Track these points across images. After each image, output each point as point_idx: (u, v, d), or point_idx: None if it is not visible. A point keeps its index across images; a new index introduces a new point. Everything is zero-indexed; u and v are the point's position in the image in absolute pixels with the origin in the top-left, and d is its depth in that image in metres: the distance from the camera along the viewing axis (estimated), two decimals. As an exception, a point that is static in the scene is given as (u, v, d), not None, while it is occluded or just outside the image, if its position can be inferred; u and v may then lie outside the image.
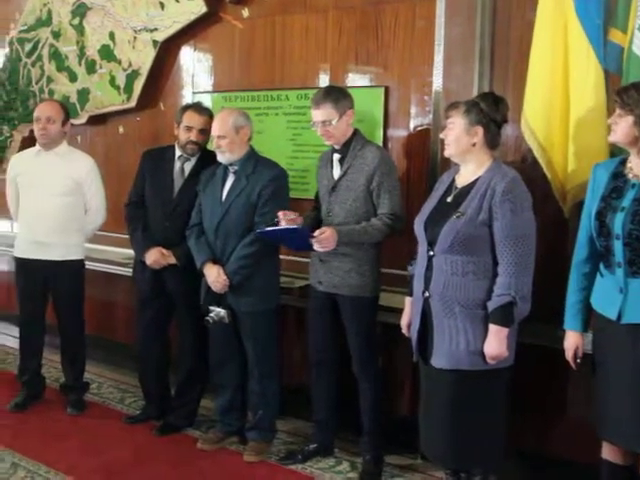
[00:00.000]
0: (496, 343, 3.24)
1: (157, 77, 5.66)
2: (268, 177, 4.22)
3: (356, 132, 4.10)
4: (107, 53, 5.87)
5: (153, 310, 4.75)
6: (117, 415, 5.03)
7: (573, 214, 3.58)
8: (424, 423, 3.56)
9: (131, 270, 4.95)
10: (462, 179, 3.42)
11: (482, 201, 3.27)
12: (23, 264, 5.01)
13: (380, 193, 3.97)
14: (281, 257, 4.45)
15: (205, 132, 4.54)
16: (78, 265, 5.06)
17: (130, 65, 5.72)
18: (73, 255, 4.99)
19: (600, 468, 3.31)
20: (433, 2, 4.18)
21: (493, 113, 3.33)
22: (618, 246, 3.05)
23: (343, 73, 4.70)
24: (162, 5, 5.46)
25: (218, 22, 5.29)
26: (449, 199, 3.42)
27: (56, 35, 6.24)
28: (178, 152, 4.62)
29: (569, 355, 3.33)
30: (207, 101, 5.15)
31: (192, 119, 4.55)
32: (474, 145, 3.34)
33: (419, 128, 4.41)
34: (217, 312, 4.24)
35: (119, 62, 5.80)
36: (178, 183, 4.60)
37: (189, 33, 5.45)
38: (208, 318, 4.24)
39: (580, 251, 3.29)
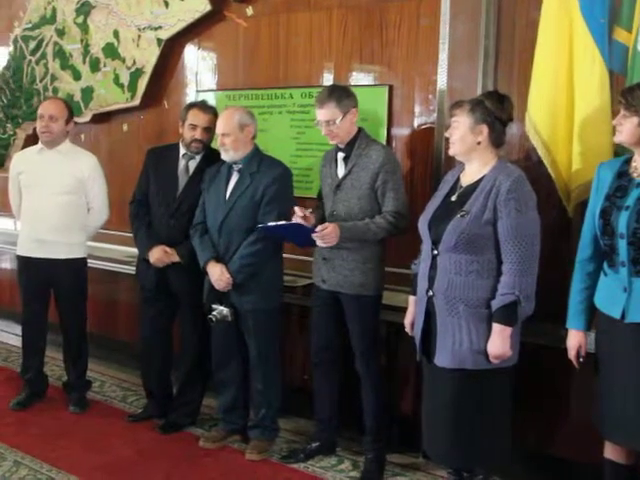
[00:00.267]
0: (500, 342, 3.23)
1: (161, 75, 5.66)
2: (272, 176, 4.22)
3: (360, 131, 4.09)
4: (111, 51, 5.87)
5: (156, 308, 4.75)
6: (119, 413, 5.02)
7: (577, 213, 3.59)
8: (427, 422, 3.56)
9: (134, 268, 4.95)
10: (467, 178, 3.42)
11: (487, 200, 3.26)
12: (26, 262, 5.01)
13: (385, 191, 3.97)
14: (284, 255, 4.44)
15: (209, 130, 4.53)
16: (81, 263, 5.06)
17: (134, 63, 5.72)
18: (76, 253, 4.99)
19: (603, 468, 3.31)
20: (437, 0, 4.17)
21: (498, 111, 3.32)
22: (622, 245, 3.05)
23: (347, 72, 4.70)
24: (166, 3, 5.46)
25: (222, 20, 5.29)
26: (453, 198, 3.41)
27: (60, 33, 6.24)
28: (182, 150, 4.62)
29: (572, 354, 3.33)
30: (211, 99, 5.14)
31: (197, 117, 4.55)
32: (479, 144, 3.34)
33: (423, 127, 4.41)
34: (220, 310, 4.24)
35: (123, 60, 5.80)
36: (182, 181, 4.60)
37: (193, 31, 5.44)
38: (211, 316, 4.24)
39: (584, 250, 3.29)
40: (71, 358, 5.15)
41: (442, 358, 3.36)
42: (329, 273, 4.08)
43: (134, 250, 4.93)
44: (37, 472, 4.15)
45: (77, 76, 6.15)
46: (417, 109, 4.44)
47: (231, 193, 4.28)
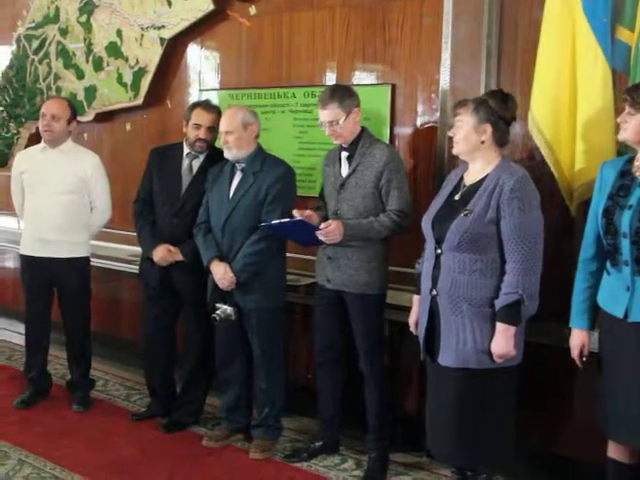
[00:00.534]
0: (503, 341, 3.24)
1: (164, 74, 5.66)
2: (275, 175, 4.23)
3: (364, 130, 4.10)
4: (114, 50, 5.87)
5: (160, 307, 4.76)
6: (123, 412, 5.03)
7: (580, 213, 3.58)
8: (430, 421, 3.56)
9: (137, 267, 4.95)
10: (470, 177, 3.42)
11: (490, 199, 3.26)
12: (29, 262, 5.02)
13: (389, 190, 3.97)
14: (287, 255, 4.44)
15: (213, 130, 4.54)
16: (84, 262, 5.06)
17: (137, 62, 5.73)
18: (79, 253, 4.99)
19: (606, 467, 3.31)
20: (440, 0, 4.17)
21: (502, 111, 3.33)
22: (625, 244, 3.05)
23: (350, 71, 4.70)
24: (169, 3, 5.46)
25: (225, 20, 5.29)
26: (457, 197, 3.41)
27: (63, 32, 6.25)
28: (186, 149, 4.63)
29: (575, 353, 3.33)
30: (214, 98, 5.14)
31: (200, 117, 4.56)
32: (483, 143, 3.34)
33: (426, 126, 4.41)
34: (224, 309, 4.24)
35: (126, 59, 5.80)
36: (186, 180, 4.60)
37: (196, 30, 5.44)
38: (215, 315, 4.24)
39: (587, 249, 3.29)
40: (75, 357, 5.16)
41: (446, 357, 3.36)
42: (334, 272, 4.08)
43: (137, 249, 4.94)
44: (41, 470, 4.15)
45: (80, 75, 6.15)
46: (420, 108, 4.43)
47: (234, 192, 4.28)
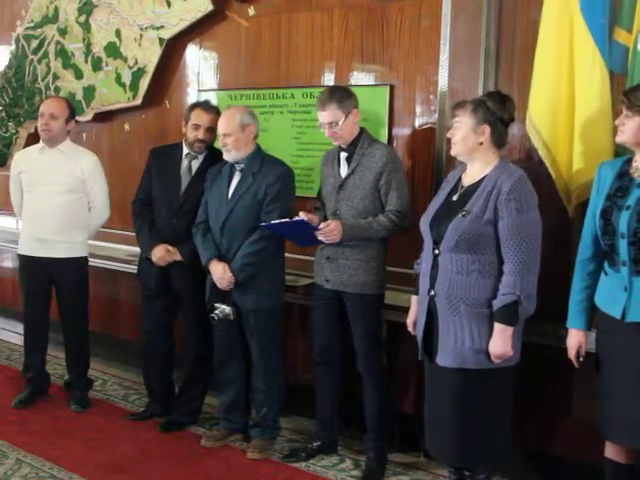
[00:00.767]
0: (501, 342, 3.24)
1: (163, 75, 5.66)
2: (274, 175, 4.23)
3: (363, 131, 4.11)
4: (113, 50, 5.87)
5: (158, 307, 4.76)
6: (121, 412, 5.04)
7: (577, 213, 3.59)
8: (428, 421, 3.57)
9: (135, 267, 4.95)
10: (468, 178, 3.43)
11: (488, 200, 3.27)
12: (27, 261, 5.03)
13: (388, 191, 3.98)
14: (285, 255, 4.44)
15: (212, 130, 4.54)
16: (82, 262, 5.07)
17: (136, 63, 5.73)
18: (77, 252, 5.00)
19: (603, 467, 3.32)
20: (439, 1, 4.18)
21: (500, 112, 3.33)
22: (623, 245, 3.06)
23: (348, 71, 4.70)
24: (168, 3, 5.46)
25: (224, 20, 5.29)
26: (455, 198, 3.42)
27: (62, 32, 6.25)
28: (185, 150, 4.63)
29: (572, 354, 3.34)
30: (212, 99, 5.15)
31: (200, 117, 4.56)
32: (481, 144, 3.35)
33: (424, 127, 4.41)
34: (222, 309, 4.25)
35: (125, 59, 5.80)
36: (185, 181, 4.61)
37: (195, 31, 5.44)
38: (213, 315, 4.25)
39: (584, 250, 3.30)
40: (73, 357, 5.16)
41: (444, 357, 3.36)
42: (333, 272, 4.09)
43: (136, 249, 4.95)
44: (39, 470, 4.16)
45: (79, 75, 6.15)
46: (418, 109, 4.44)
47: (233, 192, 4.29)
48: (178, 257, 4.57)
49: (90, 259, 5.18)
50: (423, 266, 3.51)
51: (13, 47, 6.73)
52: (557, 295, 3.45)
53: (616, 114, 3.22)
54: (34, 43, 6.50)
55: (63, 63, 6.27)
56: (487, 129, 3.34)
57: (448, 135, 3.49)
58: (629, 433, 3.12)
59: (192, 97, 5.48)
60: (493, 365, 3.30)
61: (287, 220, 3.99)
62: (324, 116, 4.01)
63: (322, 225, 3.93)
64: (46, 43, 6.40)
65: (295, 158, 4.85)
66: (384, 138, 4.45)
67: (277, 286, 4.39)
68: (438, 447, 3.56)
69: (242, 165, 4.29)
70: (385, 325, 4.27)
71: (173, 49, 5.59)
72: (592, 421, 3.33)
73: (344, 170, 4.09)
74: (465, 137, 3.35)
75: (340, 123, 3.98)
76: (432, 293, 3.41)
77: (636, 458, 3.24)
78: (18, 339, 6.14)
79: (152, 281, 4.72)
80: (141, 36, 5.68)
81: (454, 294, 3.33)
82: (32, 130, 6.46)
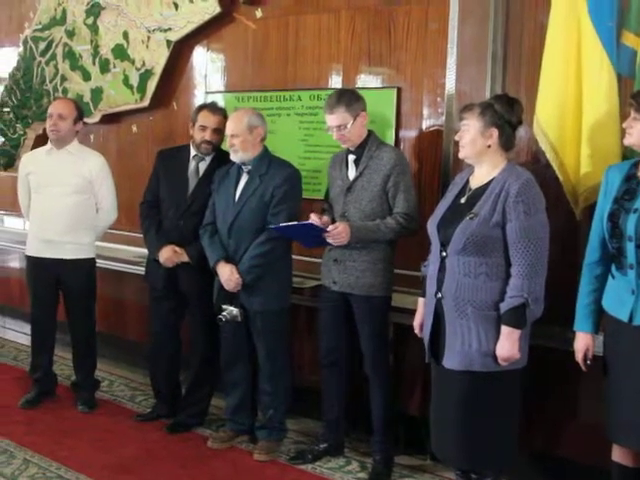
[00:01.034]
0: (508, 345, 3.24)
1: (170, 77, 5.67)
2: (281, 177, 4.24)
3: (371, 133, 4.12)
4: (121, 52, 5.88)
5: (166, 308, 4.77)
6: (128, 413, 5.05)
7: (585, 216, 3.59)
8: (435, 424, 3.57)
9: (143, 268, 4.97)
10: (476, 180, 3.43)
11: (496, 202, 3.27)
12: (34, 262, 5.04)
13: (396, 193, 3.99)
14: (292, 257, 4.45)
15: (219, 132, 4.56)
16: (89, 264, 5.08)
17: (143, 65, 5.74)
18: (84, 254, 5.01)
19: (610, 470, 3.32)
20: (446, 4, 4.18)
21: (508, 115, 3.34)
22: (630, 248, 3.06)
23: (355, 74, 4.71)
24: (176, 5, 5.47)
25: (231, 22, 5.30)
26: (463, 200, 3.42)
27: (70, 34, 6.25)
28: (193, 152, 4.65)
29: (579, 357, 3.34)
30: (220, 101, 5.14)
31: (206, 119, 4.58)
32: (489, 147, 3.35)
33: (431, 129, 4.41)
34: (230, 310, 4.25)
35: (132, 61, 5.81)
36: (192, 182, 4.62)
37: (202, 33, 5.45)
38: (221, 316, 4.25)
39: (592, 253, 3.30)
40: (80, 358, 5.17)
41: (451, 360, 3.37)
42: (340, 274, 4.10)
43: (143, 250, 4.96)
44: (46, 470, 4.17)
45: (87, 77, 6.16)
46: (425, 112, 4.44)
47: (241, 194, 4.30)
48: (185, 258, 4.58)
49: (97, 260, 5.19)
50: (430, 268, 3.51)
51: (21, 49, 6.74)
52: (564, 298, 3.45)
53: (624, 117, 3.22)
54: (42, 45, 6.51)
55: (71, 65, 6.28)
56: (495, 132, 3.34)
57: (456, 138, 3.48)
58: (637, 436, 3.12)
59: (199, 99, 5.48)
60: (500, 368, 3.31)
61: (295, 223, 4.00)
62: (332, 119, 4.01)
63: (330, 227, 3.93)
64: (54, 45, 6.41)
65: (302, 160, 4.85)
66: (391, 141, 4.45)
67: (284, 288, 4.39)
68: (444, 450, 3.56)
69: (249, 167, 4.30)
70: (392, 327, 4.27)
71: (180, 51, 5.60)
72: (599, 424, 3.33)
73: (352, 173, 4.10)
74: (473, 140, 3.36)
75: (348, 126, 3.99)
76: (439, 295, 3.42)
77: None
78: (25, 339, 6.16)
79: (159, 282, 4.73)
80: (149, 38, 5.68)
81: (461, 297, 3.33)
82: (40, 132, 6.48)
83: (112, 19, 5.93)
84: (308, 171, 4.80)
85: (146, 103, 5.79)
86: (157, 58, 5.65)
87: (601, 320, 3.31)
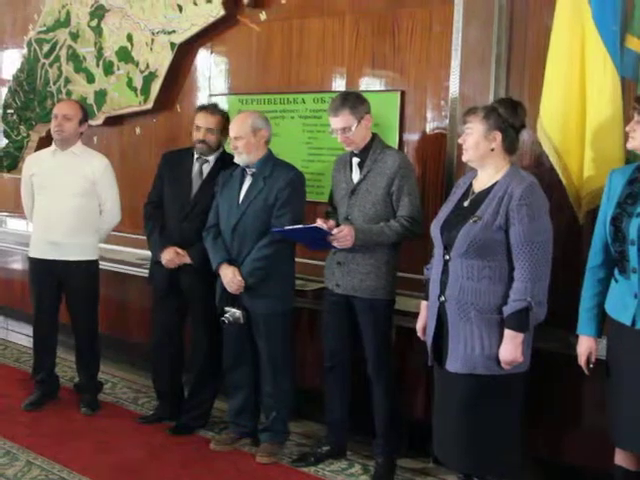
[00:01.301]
0: (511, 348, 3.25)
1: (174, 79, 5.68)
2: (285, 180, 4.24)
3: (375, 136, 4.12)
4: (125, 55, 5.89)
5: (168, 310, 4.78)
6: (130, 415, 5.05)
7: (588, 220, 3.59)
8: (438, 427, 3.57)
9: (146, 271, 4.98)
10: (479, 184, 3.44)
11: (499, 206, 3.28)
12: (37, 264, 5.04)
13: (400, 196, 3.99)
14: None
15: (213, 132, 4.60)
16: (93, 265, 5.08)
17: (147, 67, 5.74)
18: (88, 255, 5.01)
19: (613, 474, 3.32)
20: (450, 7, 4.18)
21: (511, 118, 3.35)
22: (633, 252, 3.06)
23: (359, 77, 4.71)
24: (180, 8, 5.48)
25: (235, 25, 5.30)
26: (466, 203, 3.43)
27: (74, 36, 6.27)
28: (196, 154, 4.66)
29: (582, 360, 3.34)
30: (223, 104, 5.16)
31: (199, 119, 4.63)
32: (492, 150, 3.36)
33: (435, 133, 4.42)
34: (233, 313, 4.26)
35: (136, 64, 5.81)
36: (196, 184, 4.64)
37: (206, 36, 5.46)
38: (224, 319, 4.26)
39: (595, 257, 3.30)
40: (83, 360, 5.17)
41: (454, 363, 3.37)
42: (344, 277, 4.10)
43: (146, 252, 4.97)
44: (49, 472, 4.17)
45: (91, 79, 6.17)
46: (429, 115, 4.44)
47: (244, 197, 4.31)
48: (188, 260, 4.59)
49: (100, 262, 5.19)
50: (433, 272, 3.52)
51: (25, 51, 6.75)
52: (567, 301, 3.45)
53: (627, 120, 3.22)
54: (46, 47, 6.52)
55: (75, 67, 6.29)
56: (498, 135, 3.34)
57: (459, 141, 3.49)
58: (639, 439, 3.12)
59: (203, 102, 5.46)
60: (503, 371, 3.31)
61: (300, 226, 4.01)
62: (337, 122, 4.02)
63: (335, 230, 3.94)
64: (58, 47, 6.42)
65: (306, 163, 4.86)
66: (395, 143, 4.45)
67: (287, 290, 4.39)
68: (447, 453, 3.56)
69: (253, 169, 4.30)
70: (394, 330, 4.27)
71: (184, 54, 5.60)
72: (602, 428, 3.33)
73: (356, 175, 4.10)
74: (476, 143, 3.36)
75: (353, 129, 3.99)
76: (442, 299, 3.42)
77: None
78: (27, 341, 6.17)
79: (161, 283, 4.74)
80: (152, 40, 5.69)
81: (464, 300, 3.33)
82: (43, 134, 6.50)
83: (116, 21, 5.94)
84: (312, 174, 4.79)
85: (150, 105, 5.79)
86: (161, 60, 5.66)
87: (604, 324, 3.31)
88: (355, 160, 4.11)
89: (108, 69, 6.03)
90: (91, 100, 6.14)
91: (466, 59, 4.15)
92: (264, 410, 4.52)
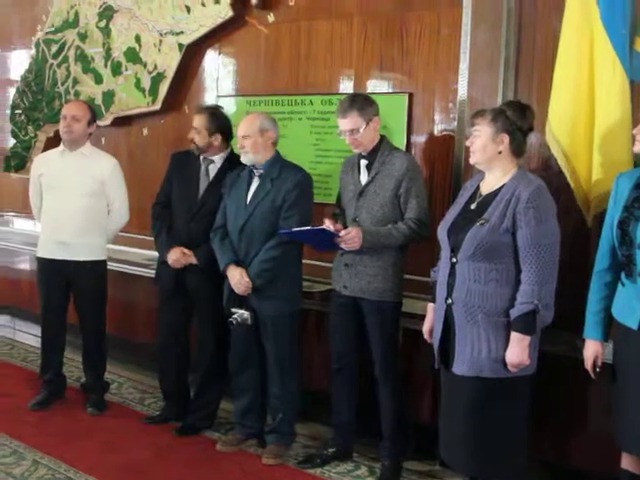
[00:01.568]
0: (518, 351, 3.24)
1: (182, 80, 5.69)
2: (293, 181, 4.25)
3: (383, 138, 4.12)
4: (133, 55, 5.90)
5: (174, 310, 4.79)
6: (137, 415, 5.06)
7: (596, 223, 3.58)
8: (444, 430, 3.57)
9: (153, 271, 4.99)
10: (487, 186, 3.43)
11: (506, 209, 3.27)
12: (45, 264, 5.05)
13: (408, 199, 4.00)
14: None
15: (197, 130, 4.64)
16: (100, 266, 5.09)
17: (155, 68, 5.75)
18: (95, 256, 5.03)
19: (620, 478, 3.31)
20: (458, 10, 4.18)
21: (519, 121, 3.34)
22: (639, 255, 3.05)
23: (367, 79, 4.71)
24: (188, 9, 5.49)
25: (244, 26, 5.31)
26: (473, 206, 3.43)
27: (82, 37, 6.28)
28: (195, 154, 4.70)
29: (588, 364, 3.33)
30: (231, 105, 5.18)
31: (194, 119, 4.69)
32: (500, 153, 3.35)
33: (443, 135, 4.41)
34: (240, 314, 4.26)
35: (144, 65, 5.83)
36: (203, 185, 4.65)
37: (214, 37, 5.47)
38: (231, 320, 4.26)
39: (601, 260, 3.29)
40: (90, 359, 5.19)
41: (460, 366, 3.37)
42: (351, 279, 4.10)
43: (154, 253, 4.98)
44: (55, 472, 4.18)
45: (99, 80, 6.18)
46: (437, 117, 4.44)
47: (252, 198, 4.31)
48: (194, 260, 4.60)
49: (108, 263, 5.21)
50: (440, 274, 3.52)
51: (33, 51, 6.77)
52: (574, 305, 3.45)
53: (636, 124, 3.22)
54: (54, 47, 6.54)
55: (83, 68, 6.30)
56: (506, 138, 3.34)
57: (467, 143, 3.49)
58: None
59: (211, 102, 5.48)
60: (510, 374, 3.30)
61: (308, 227, 4.01)
62: (345, 123, 4.02)
63: (343, 232, 3.94)
64: (66, 47, 6.43)
65: (313, 164, 4.86)
66: (403, 146, 4.45)
67: (295, 292, 4.40)
68: (453, 455, 3.56)
69: (261, 170, 4.31)
70: (402, 332, 4.27)
71: (192, 54, 5.61)
72: (608, 432, 3.33)
73: (364, 177, 4.10)
74: (484, 146, 3.36)
75: (361, 130, 3.99)
76: (449, 301, 3.42)
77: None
78: (35, 341, 6.19)
79: (168, 284, 4.75)
80: (161, 41, 5.70)
81: (471, 302, 3.33)
82: (51, 134, 6.51)
83: (124, 22, 5.95)
84: (319, 175, 4.80)
85: (158, 106, 5.80)
86: (169, 61, 5.67)
87: (611, 328, 3.31)
88: (363, 162, 4.11)
89: (116, 70, 6.04)
90: (99, 101, 6.15)
91: (474, 62, 4.14)
92: (270, 411, 4.52)
